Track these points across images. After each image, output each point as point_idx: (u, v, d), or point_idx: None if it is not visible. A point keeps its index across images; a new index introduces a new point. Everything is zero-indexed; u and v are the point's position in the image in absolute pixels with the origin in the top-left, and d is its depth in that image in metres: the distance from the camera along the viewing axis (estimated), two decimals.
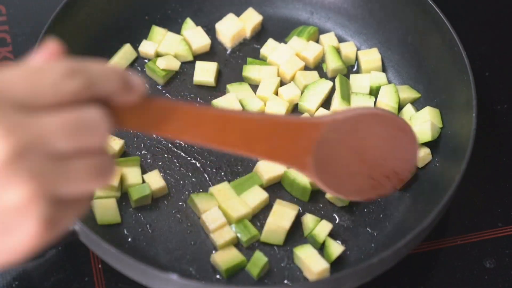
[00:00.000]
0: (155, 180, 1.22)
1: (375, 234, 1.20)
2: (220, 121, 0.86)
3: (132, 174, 1.22)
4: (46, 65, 0.68)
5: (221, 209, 1.19)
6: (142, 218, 1.20)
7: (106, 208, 1.18)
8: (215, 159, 1.26)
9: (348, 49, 1.36)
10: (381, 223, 1.21)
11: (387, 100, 1.29)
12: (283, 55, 1.34)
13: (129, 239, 1.18)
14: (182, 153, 1.26)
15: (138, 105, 0.76)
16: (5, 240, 0.65)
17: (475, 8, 1.52)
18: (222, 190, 1.21)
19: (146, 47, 1.34)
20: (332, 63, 1.34)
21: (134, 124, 0.77)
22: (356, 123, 0.99)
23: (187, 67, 1.35)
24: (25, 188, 0.64)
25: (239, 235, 1.18)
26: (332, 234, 1.19)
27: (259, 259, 1.15)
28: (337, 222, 1.21)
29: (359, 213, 1.22)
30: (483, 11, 1.52)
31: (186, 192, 1.23)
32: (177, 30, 1.38)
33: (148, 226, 1.19)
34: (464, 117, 1.19)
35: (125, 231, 1.18)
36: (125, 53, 1.33)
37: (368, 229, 1.20)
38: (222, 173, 1.25)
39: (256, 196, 1.21)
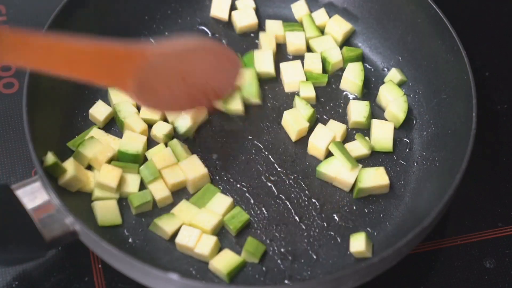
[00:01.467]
0: (160, 189, 1.21)
1: (375, 234, 1.20)
2: (46, 48, 0.97)
3: (131, 181, 1.22)
4: None
5: (193, 226, 1.18)
6: (142, 219, 1.20)
7: (107, 210, 1.18)
8: (221, 163, 1.26)
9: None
10: (381, 223, 1.21)
11: (352, 77, 1.32)
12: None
13: (130, 239, 1.18)
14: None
15: None
16: None
17: (475, 8, 1.52)
18: (184, 208, 1.20)
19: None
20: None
21: None
22: (183, 54, 1.12)
23: None
24: None
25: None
26: (332, 233, 1.20)
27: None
28: (337, 222, 1.21)
29: (359, 213, 1.22)
30: (483, 11, 1.52)
31: (187, 195, 1.23)
32: (177, 30, 1.38)
33: (148, 226, 1.19)
34: (464, 117, 1.19)
35: (126, 232, 1.18)
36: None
37: (368, 229, 1.20)
38: (229, 175, 1.25)
39: (221, 203, 1.20)
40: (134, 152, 1.22)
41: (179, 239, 1.16)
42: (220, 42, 1.13)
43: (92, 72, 1.04)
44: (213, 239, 1.16)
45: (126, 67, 1.06)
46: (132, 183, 1.21)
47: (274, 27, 1.38)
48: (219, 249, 1.17)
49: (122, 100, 1.27)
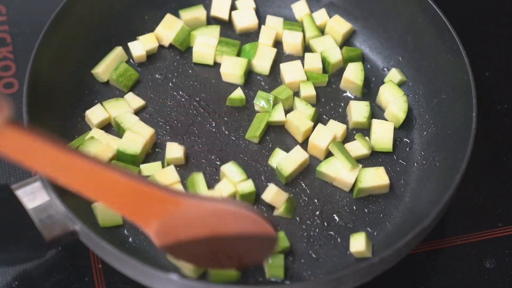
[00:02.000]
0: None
1: (375, 234, 1.20)
2: (87, 172, 0.95)
3: None
4: None
5: None
6: None
7: (107, 211, 1.18)
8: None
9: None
10: (381, 223, 1.21)
11: (352, 77, 1.32)
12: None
13: (130, 239, 1.18)
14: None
15: (9, 135, 0.85)
16: None
17: (475, 8, 1.52)
18: None
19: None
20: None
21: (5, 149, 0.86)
22: (218, 213, 1.03)
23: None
24: None
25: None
26: (332, 233, 1.20)
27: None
28: (337, 222, 1.21)
29: (359, 213, 1.22)
30: (483, 11, 1.52)
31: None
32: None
33: None
34: (464, 117, 1.19)
35: (126, 232, 1.18)
36: (116, 56, 1.33)
37: (368, 229, 1.20)
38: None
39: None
40: (132, 152, 1.22)
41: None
42: (260, 212, 1.04)
43: (121, 204, 1.01)
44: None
45: (156, 208, 1.01)
46: None
47: (275, 23, 1.39)
48: None
49: (120, 112, 1.27)
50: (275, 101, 1.29)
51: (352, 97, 1.34)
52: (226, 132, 1.29)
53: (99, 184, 0.96)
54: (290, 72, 1.33)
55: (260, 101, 1.29)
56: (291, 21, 1.40)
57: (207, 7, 1.41)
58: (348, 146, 1.26)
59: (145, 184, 0.99)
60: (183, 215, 1.02)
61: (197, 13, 1.38)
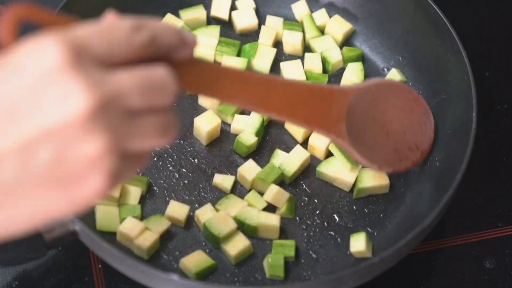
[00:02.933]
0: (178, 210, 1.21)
1: (375, 234, 1.20)
2: (265, 85, 0.90)
3: (133, 194, 1.21)
4: (114, 23, 0.72)
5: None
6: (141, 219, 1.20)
7: (108, 216, 1.18)
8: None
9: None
10: (381, 223, 1.21)
11: (352, 77, 1.33)
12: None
13: None
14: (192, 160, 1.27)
15: (193, 67, 0.81)
16: (73, 189, 0.68)
17: (475, 8, 1.52)
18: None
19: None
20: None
21: (190, 85, 0.81)
22: (376, 92, 1.07)
23: None
24: (101, 142, 0.67)
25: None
26: (332, 233, 1.20)
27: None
28: (337, 222, 1.21)
29: (359, 213, 1.22)
30: (483, 11, 1.52)
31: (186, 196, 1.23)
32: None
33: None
34: (464, 117, 1.19)
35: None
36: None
37: (368, 229, 1.20)
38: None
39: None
40: None
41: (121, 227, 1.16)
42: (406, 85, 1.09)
43: (308, 116, 0.99)
44: (154, 236, 1.16)
45: (336, 109, 1.01)
46: (133, 196, 1.21)
47: (275, 23, 1.39)
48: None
49: None
50: None
51: None
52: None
53: (288, 100, 0.94)
54: (290, 71, 1.33)
55: None
56: (291, 21, 1.40)
57: (207, 7, 1.41)
58: None
59: (314, 84, 1.00)
60: (353, 106, 1.03)
61: (197, 13, 1.38)
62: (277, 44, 1.39)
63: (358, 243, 1.16)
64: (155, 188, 1.23)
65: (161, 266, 1.15)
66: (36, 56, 0.66)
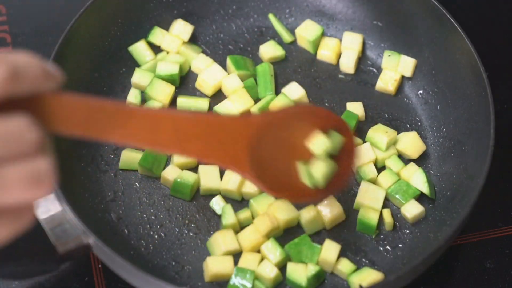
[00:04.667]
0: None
1: (389, 249, 1.20)
2: (151, 120, 0.85)
3: None
4: None
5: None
6: (148, 226, 1.20)
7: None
8: None
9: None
10: (396, 239, 1.21)
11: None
12: None
13: (142, 249, 1.18)
14: None
15: (66, 105, 0.75)
16: None
17: (475, 8, 1.52)
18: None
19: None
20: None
21: (63, 126, 0.76)
22: (288, 119, 1.00)
23: None
24: None
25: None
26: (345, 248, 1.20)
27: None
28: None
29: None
30: (483, 11, 1.52)
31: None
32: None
33: (157, 236, 1.20)
34: (482, 131, 1.20)
35: (140, 241, 1.19)
36: None
37: (387, 247, 1.20)
38: None
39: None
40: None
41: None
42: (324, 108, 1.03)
43: (204, 149, 0.92)
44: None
45: (238, 139, 0.95)
46: None
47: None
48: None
49: None
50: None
51: None
52: None
53: (172, 131, 0.87)
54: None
55: None
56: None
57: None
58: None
59: (213, 116, 0.95)
60: (260, 136, 0.97)
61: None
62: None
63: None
64: None
65: (171, 278, 1.16)
66: None
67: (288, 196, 1.08)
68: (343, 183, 1.08)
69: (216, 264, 1.14)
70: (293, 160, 1.03)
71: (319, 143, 1.03)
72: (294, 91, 1.31)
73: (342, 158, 1.05)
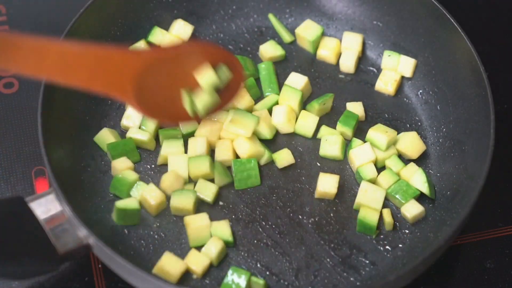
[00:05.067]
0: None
1: (389, 249, 1.20)
2: (37, 49, 0.90)
3: None
4: None
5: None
6: (148, 226, 1.20)
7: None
8: None
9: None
10: (396, 239, 1.21)
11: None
12: None
13: (142, 249, 1.18)
14: None
15: None
16: None
17: (475, 8, 1.52)
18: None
19: None
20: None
21: None
22: (179, 56, 1.08)
23: None
24: None
25: None
26: (345, 249, 1.20)
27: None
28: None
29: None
30: (483, 11, 1.52)
31: None
32: None
33: (157, 236, 1.20)
34: (482, 131, 1.20)
35: (139, 242, 1.19)
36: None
37: (387, 247, 1.21)
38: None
39: None
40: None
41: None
42: (217, 44, 1.10)
43: (90, 78, 1.00)
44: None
45: (124, 71, 1.03)
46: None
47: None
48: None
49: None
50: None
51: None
52: None
53: (59, 61, 0.94)
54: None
55: None
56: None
57: None
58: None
59: (104, 48, 1.01)
60: (150, 70, 1.04)
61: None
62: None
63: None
64: None
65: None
66: None
67: (166, 119, 1.15)
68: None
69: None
70: (179, 88, 1.11)
71: (206, 76, 1.13)
72: (297, 81, 1.32)
73: (226, 91, 1.15)
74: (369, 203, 1.21)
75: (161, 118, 1.14)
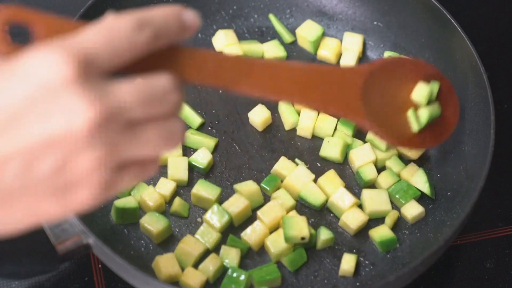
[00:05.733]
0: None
1: (390, 250, 1.20)
2: (272, 70, 0.88)
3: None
4: (115, 23, 0.71)
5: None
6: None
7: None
8: None
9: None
10: (398, 238, 1.21)
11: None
12: None
13: (142, 249, 1.18)
14: None
15: (195, 57, 0.79)
16: (67, 197, 0.69)
17: (475, 8, 1.52)
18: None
19: None
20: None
21: (194, 77, 0.80)
22: (393, 69, 1.05)
23: None
24: (96, 155, 0.67)
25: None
26: (345, 250, 1.20)
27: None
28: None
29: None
30: (483, 11, 1.52)
31: None
32: None
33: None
34: (482, 131, 1.20)
35: (141, 242, 1.19)
36: None
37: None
38: None
39: None
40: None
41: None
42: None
43: (322, 98, 0.96)
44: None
45: (351, 89, 0.99)
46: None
47: None
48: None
49: None
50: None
51: None
52: None
53: (298, 82, 0.92)
54: None
55: None
56: None
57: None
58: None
59: (325, 66, 1.05)
60: (368, 84, 1.00)
61: None
62: None
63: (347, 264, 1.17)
64: None
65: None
66: (43, 68, 0.66)
67: (402, 143, 1.10)
68: (452, 125, 1.12)
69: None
70: (400, 109, 1.07)
71: (421, 90, 1.08)
72: None
73: (444, 101, 1.11)
74: (377, 207, 1.21)
75: (396, 141, 1.08)
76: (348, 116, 1.03)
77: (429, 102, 1.08)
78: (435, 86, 1.09)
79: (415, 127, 1.07)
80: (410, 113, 1.06)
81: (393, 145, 1.12)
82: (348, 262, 1.16)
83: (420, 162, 1.26)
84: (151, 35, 0.72)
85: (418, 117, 1.07)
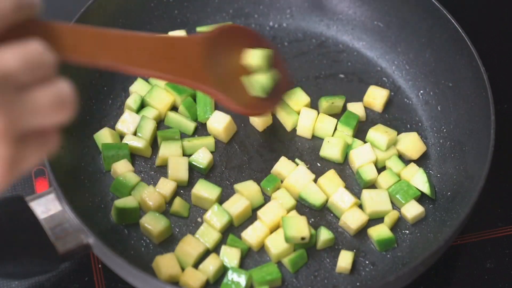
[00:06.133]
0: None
1: (390, 250, 1.20)
2: (125, 40, 0.91)
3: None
4: None
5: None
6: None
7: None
8: None
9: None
10: (396, 239, 1.21)
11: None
12: None
13: (142, 249, 1.18)
14: None
15: (55, 31, 0.80)
16: None
17: (475, 8, 1.52)
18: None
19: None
20: None
21: (57, 50, 0.80)
22: (227, 37, 1.09)
23: None
24: None
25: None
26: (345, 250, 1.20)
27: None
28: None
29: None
30: (483, 11, 1.52)
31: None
32: None
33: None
34: (482, 131, 1.20)
35: (140, 241, 1.19)
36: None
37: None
38: None
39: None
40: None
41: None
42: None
43: (173, 68, 0.99)
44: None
45: (194, 58, 1.02)
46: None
47: None
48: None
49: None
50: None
51: None
52: None
53: (141, 51, 0.94)
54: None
55: None
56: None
57: None
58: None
59: (168, 36, 1.04)
60: (208, 53, 1.04)
61: None
62: None
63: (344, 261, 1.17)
64: None
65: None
66: None
67: (245, 110, 1.14)
68: (288, 86, 1.21)
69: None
70: (238, 76, 1.12)
71: (255, 55, 1.14)
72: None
73: (277, 67, 1.17)
74: (378, 207, 1.21)
75: (240, 107, 1.12)
76: (194, 85, 1.06)
77: (267, 70, 1.14)
78: (266, 52, 1.14)
79: (253, 92, 1.12)
80: (244, 79, 1.11)
81: (237, 111, 1.14)
82: (345, 259, 1.16)
83: (420, 162, 1.26)
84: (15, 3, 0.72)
85: (254, 83, 1.13)
